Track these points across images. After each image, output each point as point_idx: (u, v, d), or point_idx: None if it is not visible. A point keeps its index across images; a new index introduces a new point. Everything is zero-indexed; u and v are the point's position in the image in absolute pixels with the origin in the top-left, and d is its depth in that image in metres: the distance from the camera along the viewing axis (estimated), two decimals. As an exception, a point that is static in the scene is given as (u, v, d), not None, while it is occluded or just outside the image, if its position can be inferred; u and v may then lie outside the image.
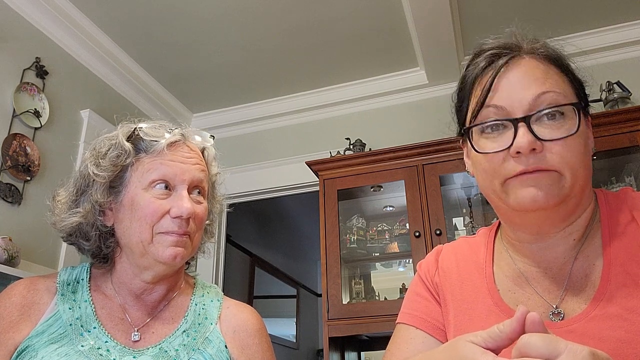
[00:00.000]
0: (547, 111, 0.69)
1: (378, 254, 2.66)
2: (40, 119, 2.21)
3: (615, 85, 2.39)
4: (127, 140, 0.91)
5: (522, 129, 0.68)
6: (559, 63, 0.74)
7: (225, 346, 0.94)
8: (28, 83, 2.20)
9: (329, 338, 2.29)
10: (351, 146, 2.77)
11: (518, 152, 0.68)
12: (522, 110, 0.69)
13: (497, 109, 0.71)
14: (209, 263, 3.01)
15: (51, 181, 2.21)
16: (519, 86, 0.70)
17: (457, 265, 0.84)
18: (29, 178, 2.12)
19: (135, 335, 0.89)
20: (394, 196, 2.66)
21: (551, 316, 0.70)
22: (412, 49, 2.76)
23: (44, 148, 2.23)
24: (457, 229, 2.53)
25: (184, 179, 0.90)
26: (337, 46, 2.73)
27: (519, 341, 0.49)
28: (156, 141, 0.91)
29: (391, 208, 2.74)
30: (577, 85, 0.75)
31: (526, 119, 0.68)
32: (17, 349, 0.83)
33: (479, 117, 0.73)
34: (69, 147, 2.37)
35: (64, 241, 0.97)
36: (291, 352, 5.09)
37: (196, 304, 0.99)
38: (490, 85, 0.72)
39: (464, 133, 0.77)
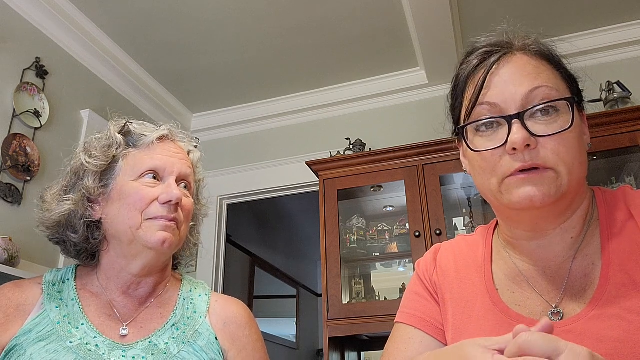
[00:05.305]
0: (540, 106, 0.69)
1: (378, 254, 2.66)
2: (40, 119, 2.21)
3: (615, 85, 2.39)
4: (118, 134, 0.96)
5: (516, 125, 0.68)
6: (550, 59, 0.74)
7: (216, 338, 0.94)
8: (28, 83, 2.20)
9: (329, 338, 2.29)
10: (351, 146, 2.77)
11: (514, 149, 0.67)
12: (516, 106, 0.69)
13: (490, 107, 0.71)
14: (209, 263, 3.01)
15: (51, 181, 2.17)
16: (511, 82, 0.70)
17: (455, 264, 0.84)
18: (29, 178, 2.12)
19: (124, 329, 0.90)
20: (394, 196, 2.65)
21: (550, 316, 0.70)
22: (412, 49, 2.76)
23: (44, 148, 2.23)
24: (457, 229, 2.53)
25: (173, 171, 0.94)
26: (337, 46, 2.73)
27: (518, 338, 0.49)
28: (145, 135, 0.96)
29: (391, 208, 2.74)
30: (570, 80, 0.75)
31: (520, 115, 0.68)
32: (5, 349, 0.83)
33: (472, 116, 0.73)
34: (69, 147, 2.36)
35: (50, 239, 0.98)
36: (291, 352, 5.09)
37: (184, 299, 1.00)
38: (483, 83, 0.72)
39: (459, 132, 0.77)
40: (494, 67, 0.72)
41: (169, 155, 0.95)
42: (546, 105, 0.69)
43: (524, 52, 0.74)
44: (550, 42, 0.76)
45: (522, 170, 0.68)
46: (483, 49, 0.76)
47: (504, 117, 0.69)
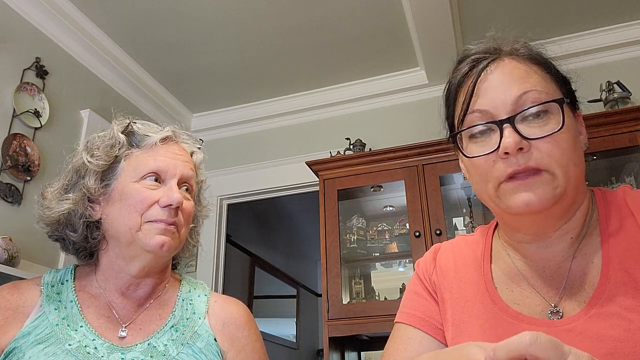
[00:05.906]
0: (530, 110, 0.69)
1: (378, 254, 2.66)
2: (40, 119, 2.21)
3: (615, 85, 2.39)
4: (121, 133, 0.95)
5: (508, 129, 0.68)
6: (540, 62, 0.74)
7: (215, 339, 0.94)
8: (28, 83, 2.20)
9: (329, 338, 2.29)
10: (351, 146, 2.77)
11: (506, 153, 0.68)
12: (506, 111, 0.70)
13: (481, 113, 0.72)
14: (209, 263, 3.01)
15: (51, 181, 2.21)
16: (501, 88, 0.71)
17: (455, 264, 0.84)
18: (29, 178, 2.12)
19: (123, 331, 0.89)
20: (394, 196, 2.66)
21: (550, 315, 0.70)
22: (412, 49, 2.76)
23: (44, 148, 2.23)
24: (457, 229, 2.53)
25: (175, 174, 0.93)
26: (337, 46, 2.73)
27: (521, 337, 0.47)
28: (148, 136, 0.95)
29: (391, 208, 2.74)
30: (561, 81, 0.75)
31: (510, 120, 0.69)
32: (4, 352, 0.83)
33: (465, 123, 0.74)
34: (69, 147, 2.36)
35: (49, 236, 0.97)
36: (291, 352, 5.09)
37: (183, 300, 0.99)
38: (473, 90, 0.73)
39: (453, 140, 0.78)
40: (482, 73, 0.73)
41: (171, 157, 0.94)
42: (536, 108, 0.69)
43: (512, 57, 0.74)
44: (540, 46, 0.77)
45: (517, 175, 0.68)
46: (472, 56, 0.77)
47: (495, 123, 0.70)
